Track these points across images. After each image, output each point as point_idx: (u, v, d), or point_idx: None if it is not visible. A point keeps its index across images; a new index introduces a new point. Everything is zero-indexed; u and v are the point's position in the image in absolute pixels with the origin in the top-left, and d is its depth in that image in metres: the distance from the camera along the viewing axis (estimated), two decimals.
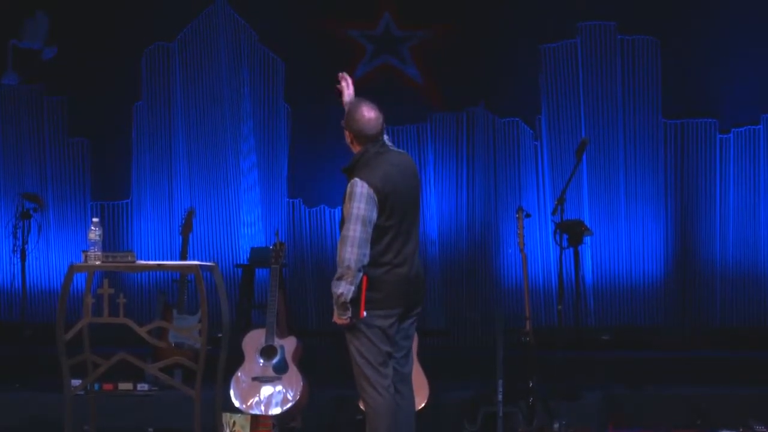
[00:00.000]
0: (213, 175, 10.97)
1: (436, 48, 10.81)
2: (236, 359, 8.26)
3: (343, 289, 6.28)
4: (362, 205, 6.30)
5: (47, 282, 11.00)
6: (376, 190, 6.33)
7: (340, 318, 6.35)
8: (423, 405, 8.07)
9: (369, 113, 6.51)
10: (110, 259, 7.10)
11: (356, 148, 6.53)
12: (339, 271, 6.29)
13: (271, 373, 8.32)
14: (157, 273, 10.62)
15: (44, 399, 8.71)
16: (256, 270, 10.24)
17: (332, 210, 10.72)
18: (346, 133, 6.56)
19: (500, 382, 7.99)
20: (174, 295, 9.58)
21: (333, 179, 9.95)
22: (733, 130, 10.62)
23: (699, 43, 10.57)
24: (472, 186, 10.82)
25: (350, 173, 6.47)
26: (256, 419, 8.03)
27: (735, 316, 10.56)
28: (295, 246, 10.84)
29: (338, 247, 6.33)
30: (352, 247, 6.27)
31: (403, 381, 6.56)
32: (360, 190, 6.32)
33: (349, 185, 6.38)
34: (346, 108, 6.62)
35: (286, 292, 9.38)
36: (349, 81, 6.82)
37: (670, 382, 9.26)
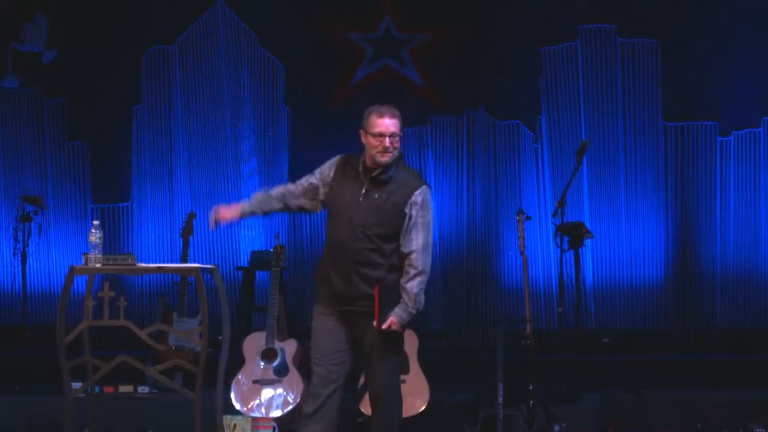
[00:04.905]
0: (213, 177, 10.96)
1: (436, 50, 10.80)
2: (237, 362, 8.25)
3: (423, 297, 6.33)
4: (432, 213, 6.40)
5: (47, 285, 10.99)
6: None
7: (405, 326, 6.34)
8: (423, 408, 8.07)
9: None
10: (110, 262, 7.08)
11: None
12: (423, 278, 6.29)
13: (271, 375, 8.31)
14: (158, 276, 10.61)
15: (44, 401, 8.69)
16: (257, 273, 10.22)
17: None
18: (398, 139, 6.64)
19: (500, 385, 7.98)
20: (174, 297, 9.57)
21: None
22: (733, 132, 10.63)
23: (699, 46, 10.58)
24: (473, 188, 10.82)
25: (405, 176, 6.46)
26: (256, 422, 8.04)
27: (735, 319, 10.56)
28: (295, 249, 10.83)
29: (421, 254, 6.27)
30: (430, 256, 6.33)
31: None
32: (431, 197, 6.42)
33: (420, 193, 6.35)
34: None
35: (286, 294, 9.38)
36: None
37: (670, 385, 9.25)
